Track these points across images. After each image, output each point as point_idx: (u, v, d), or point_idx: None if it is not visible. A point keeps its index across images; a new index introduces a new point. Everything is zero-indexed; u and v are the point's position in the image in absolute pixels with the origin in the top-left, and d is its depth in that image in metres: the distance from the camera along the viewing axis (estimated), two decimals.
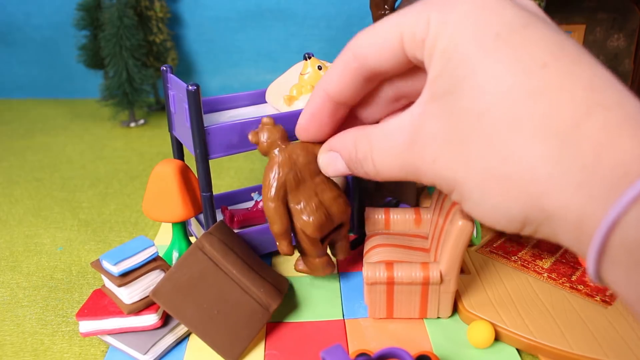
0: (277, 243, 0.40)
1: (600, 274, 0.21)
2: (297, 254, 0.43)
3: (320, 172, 0.38)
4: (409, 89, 0.32)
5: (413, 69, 0.30)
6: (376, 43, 0.28)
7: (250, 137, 0.39)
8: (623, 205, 0.19)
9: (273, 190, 0.38)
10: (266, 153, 0.39)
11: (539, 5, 0.53)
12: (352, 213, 0.42)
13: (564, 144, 0.21)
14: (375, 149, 0.30)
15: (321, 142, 0.37)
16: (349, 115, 0.35)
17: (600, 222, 0.20)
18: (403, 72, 0.30)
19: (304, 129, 0.35)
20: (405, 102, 0.33)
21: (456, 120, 0.25)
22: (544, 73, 0.22)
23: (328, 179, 0.40)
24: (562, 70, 0.22)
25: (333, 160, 0.35)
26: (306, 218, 0.39)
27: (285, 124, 0.43)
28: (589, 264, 0.21)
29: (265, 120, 0.39)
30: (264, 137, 0.39)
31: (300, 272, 0.44)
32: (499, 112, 0.23)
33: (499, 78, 0.23)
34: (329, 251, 0.44)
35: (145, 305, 0.38)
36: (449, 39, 0.24)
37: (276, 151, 0.38)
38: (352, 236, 0.44)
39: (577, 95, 0.21)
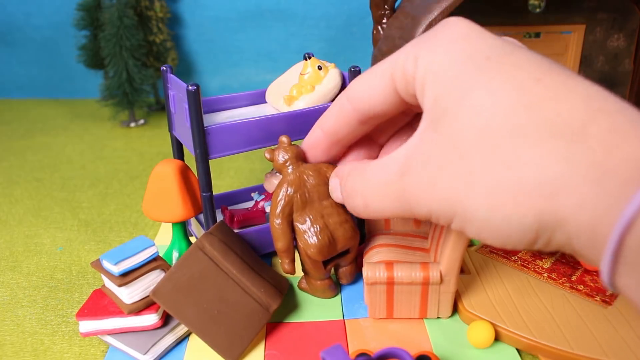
0: (280, 260, 0.41)
1: (615, 279, 0.20)
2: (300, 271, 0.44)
3: (328, 196, 0.39)
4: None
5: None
6: (369, 87, 0.29)
7: (266, 154, 0.40)
8: (639, 203, 0.18)
9: (279, 208, 0.39)
10: (280, 170, 0.40)
11: (539, 5, 0.53)
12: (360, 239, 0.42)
13: (572, 142, 0.21)
14: (367, 181, 0.30)
15: (334, 164, 0.39)
16: (366, 138, 0.36)
17: (616, 221, 0.19)
18: (396, 113, 0.31)
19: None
20: (373, 124, 0.34)
21: (456, 139, 0.24)
22: (540, 86, 0.22)
23: (335, 204, 0.40)
24: (557, 84, 0.22)
25: (335, 187, 0.36)
26: (309, 239, 0.39)
27: (285, 124, 0.43)
28: (604, 268, 0.20)
29: (282, 139, 0.40)
30: (279, 155, 0.40)
31: (302, 290, 0.44)
32: (499, 124, 0.23)
33: (496, 94, 0.23)
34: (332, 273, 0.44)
35: (145, 305, 0.38)
36: (440, 65, 0.25)
37: (289, 169, 0.39)
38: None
39: (577, 102, 0.22)
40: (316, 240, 0.39)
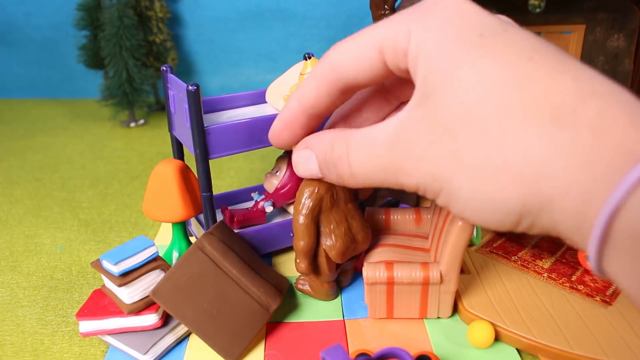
0: (297, 260, 0.40)
1: (602, 264, 0.20)
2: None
3: (352, 198, 0.39)
4: (396, 92, 0.32)
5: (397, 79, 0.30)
6: (354, 56, 0.28)
7: None
8: (627, 186, 0.18)
9: (308, 207, 0.38)
10: None
11: (539, 5, 0.53)
12: None
13: (560, 126, 0.21)
14: (354, 150, 0.29)
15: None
16: (341, 122, 0.35)
17: (603, 205, 0.19)
18: (381, 82, 0.30)
19: (276, 136, 0.34)
20: (396, 103, 0.33)
21: (444, 116, 0.24)
22: (530, 65, 0.22)
23: (357, 207, 0.40)
24: (549, 63, 0.22)
25: (307, 159, 0.33)
26: (333, 241, 0.39)
27: None
28: (591, 252, 0.20)
29: None
30: None
31: (300, 291, 0.44)
32: (487, 102, 0.22)
33: (485, 71, 0.23)
34: None
35: (145, 305, 0.38)
36: (432, 42, 0.25)
37: None
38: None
39: (568, 84, 0.21)
40: (340, 243, 0.39)
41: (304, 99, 0.32)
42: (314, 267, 0.41)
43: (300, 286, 0.44)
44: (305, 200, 0.38)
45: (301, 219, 0.38)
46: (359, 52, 0.28)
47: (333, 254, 0.39)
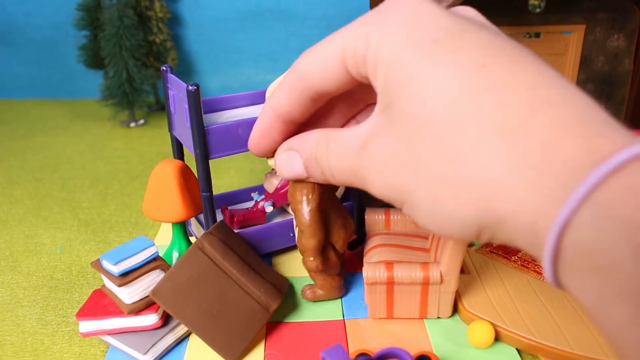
0: (310, 258, 0.39)
1: (558, 278, 0.20)
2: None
3: (335, 199, 0.39)
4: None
5: (360, 85, 0.30)
6: (318, 65, 0.28)
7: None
8: (573, 204, 0.18)
9: (314, 204, 0.37)
10: None
11: (539, 5, 0.53)
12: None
13: (510, 143, 0.20)
14: (331, 150, 0.30)
15: None
16: (305, 126, 0.35)
17: (552, 223, 0.19)
18: (348, 89, 0.30)
19: (255, 145, 0.34)
20: (362, 106, 0.33)
21: (402, 128, 0.24)
22: (483, 73, 0.21)
23: (332, 191, 0.40)
24: (502, 70, 0.21)
25: (291, 160, 0.33)
26: (340, 232, 0.39)
27: None
28: (545, 268, 0.20)
29: None
30: None
31: (316, 299, 0.43)
32: (441, 116, 0.22)
33: (438, 82, 0.22)
34: None
35: (145, 305, 0.38)
36: (387, 50, 0.24)
37: None
38: (353, 236, 0.44)
39: (521, 93, 0.21)
40: (344, 232, 0.39)
41: (277, 107, 0.32)
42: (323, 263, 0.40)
43: (310, 294, 0.43)
44: (308, 198, 0.37)
45: (308, 217, 0.37)
46: (323, 61, 0.28)
47: (340, 244, 0.39)
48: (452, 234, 0.24)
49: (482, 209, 0.21)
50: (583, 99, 0.20)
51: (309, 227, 0.38)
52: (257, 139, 0.34)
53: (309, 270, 0.40)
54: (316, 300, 0.43)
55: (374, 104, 0.31)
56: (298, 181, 0.36)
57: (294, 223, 0.40)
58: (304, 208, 0.37)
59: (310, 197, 0.37)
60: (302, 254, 0.39)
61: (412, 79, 0.23)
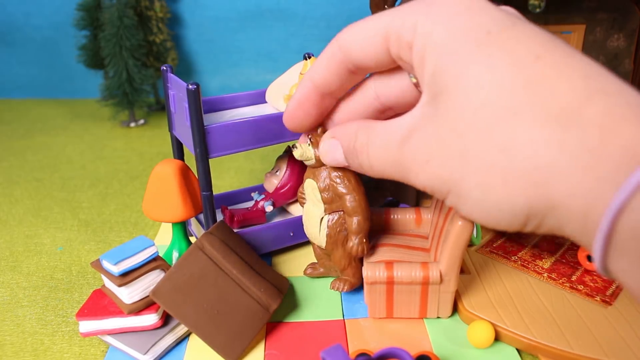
0: (365, 240, 0.39)
1: (607, 264, 0.20)
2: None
3: None
4: (393, 99, 0.32)
5: (397, 69, 0.30)
6: (362, 40, 0.29)
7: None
8: (631, 187, 0.18)
9: (359, 185, 0.39)
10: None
11: (539, 5, 0.53)
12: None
13: (566, 128, 0.21)
14: (372, 142, 0.30)
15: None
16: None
17: (607, 206, 0.19)
18: (386, 68, 0.30)
19: (290, 117, 0.35)
20: (391, 114, 0.34)
21: (452, 117, 0.24)
22: (538, 64, 0.22)
23: None
24: (557, 62, 0.22)
25: (333, 148, 0.34)
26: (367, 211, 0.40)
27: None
28: (596, 253, 0.20)
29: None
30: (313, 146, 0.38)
31: (352, 289, 0.42)
32: (495, 103, 0.22)
33: (493, 71, 0.23)
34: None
35: (145, 305, 0.38)
36: (438, 39, 0.24)
37: None
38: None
39: (576, 83, 0.21)
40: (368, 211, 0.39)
41: (316, 77, 0.32)
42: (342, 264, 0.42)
43: (348, 286, 0.42)
44: (359, 183, 0.38)
45: (364, 201, 0.38)
46: (366, 37, 0.28)
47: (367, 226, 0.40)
48: (498, 223, 0.24)
49: (533, 195, 0.22)
50: (634, 92, 0.21)
51: (366, 210, 0.39)
52: (293, 109, 0.35)
53: (355, 256, 0.40)
54: (319, 276, 0.45)
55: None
56: (350, 173, 0.38)
57: (326, 211, 0.40)
58: (360, 192, 0.38)
59: (359, 182, 0.38)
60: (354, 238, 0.39)
61: (466, 69, 0.23)
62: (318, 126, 0.36)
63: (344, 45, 0.30)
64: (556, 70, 0.22)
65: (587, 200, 0.20)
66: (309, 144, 0.38)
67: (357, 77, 0.32)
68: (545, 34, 0.23)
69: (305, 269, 0.45)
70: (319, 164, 0.38)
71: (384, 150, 0.29)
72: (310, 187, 0.40)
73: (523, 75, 0.22)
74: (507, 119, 0.22)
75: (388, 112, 0.33)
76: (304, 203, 0.42)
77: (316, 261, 0.45)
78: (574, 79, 0.21)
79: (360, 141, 0.31)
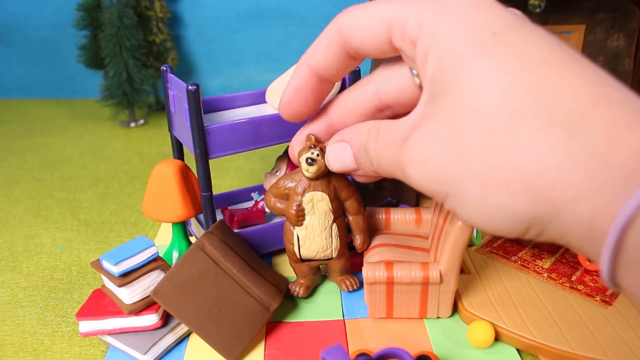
0: (364, 238, 0.43)
1: (616, 277, 0.19)
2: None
3: None
4: (393, 96, 0.32)
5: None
6: (363, 27, 0.28)
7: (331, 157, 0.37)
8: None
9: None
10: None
11: (539, 5, 0.53)
12: None
13: (572, 132, 0.20)
14: (379, 139, 0.29)
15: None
16: (327, 124, 0.35)
17: (616, 215, 0.18)
18: (386, 56, 0.30)
19: (287, 104, 0.34)
20: (389, 114, 0.33)
21: (453, 117, 0.24)
22: (543, 68, 0.22)
23: None
24: (562, 67, 0.21)
25: (341, 151, 0.34)
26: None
27: (285, 124, 0.43)
28: (603, 265, 0.19)
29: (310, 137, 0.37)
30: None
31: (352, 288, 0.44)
32: (498, 105, 0.22)
33: (497, 73, 0.22)
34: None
35: (145, 305, 0.38)
36: (444, 37, 0.24)
37: None
38: (350, 237, 0.44)
39: (581, 88, 0.21)
40: None
41: (314, 61, 0.31)
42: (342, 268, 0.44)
43: (357, 283, 0.44)
44: (348, 180, 0.41)
45: (359, 198, 0.41)
46: (368, 23, 0.28)
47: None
48: (499, 228, 0.23)
49: (537, 199, 0.21)
50: (637, 98, 0.20)
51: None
52: (289, 96, 0.33)
53: (360, 250, 0.43)
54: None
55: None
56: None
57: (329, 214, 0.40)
58: (358, 194, 0.41)
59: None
60: (362, 234, 0.43)
61: (470, 69, 0.23)
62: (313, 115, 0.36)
63: (345, 29, 0.29)
64: (562, 75, 0.21)
65: (594, 205, 0.19)
66: (317, 155, 0.37)
67: (356, 61, 0.31)
68: (552, 38, 0.23)
69: (296, 292, 0.43)
70: (324, 172, 0.38)
71: (388, 148, 0.28)
72: (315, 200, 0.39)
73: (528, 79, 0.21)
74: (510, 121, 0.21)
75: (386, 111, 0.32)
76: (302, 221, 0.40)
77: (295, 282, 0.44)
78: (580, 84, 0.21)
79: (370, 139, 0.30)
